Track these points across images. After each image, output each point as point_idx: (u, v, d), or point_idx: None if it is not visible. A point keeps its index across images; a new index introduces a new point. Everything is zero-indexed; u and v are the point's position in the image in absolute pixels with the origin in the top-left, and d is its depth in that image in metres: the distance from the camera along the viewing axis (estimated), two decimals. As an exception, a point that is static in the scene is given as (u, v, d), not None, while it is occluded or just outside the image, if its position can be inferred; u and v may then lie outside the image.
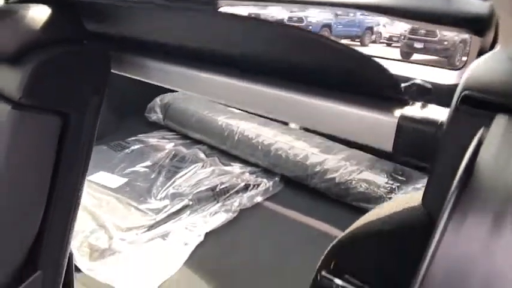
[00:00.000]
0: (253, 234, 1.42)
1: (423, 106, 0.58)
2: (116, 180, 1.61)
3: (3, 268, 0.93)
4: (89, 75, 0.92)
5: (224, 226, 1.45)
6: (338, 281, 0.50)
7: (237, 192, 1.60)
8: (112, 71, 0.99)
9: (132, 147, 1.94)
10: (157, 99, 2.25)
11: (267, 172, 1.78)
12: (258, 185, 1.67)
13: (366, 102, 0.63)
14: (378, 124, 0.62)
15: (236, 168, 1.78)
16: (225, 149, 1.92)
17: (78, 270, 1.15)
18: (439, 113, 0.54)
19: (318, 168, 1.62)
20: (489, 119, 0.40)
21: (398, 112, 0.58)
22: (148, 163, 1.77)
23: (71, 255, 1.03)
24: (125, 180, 1.62)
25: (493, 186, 0.35)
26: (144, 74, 0.97)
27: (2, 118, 0.85)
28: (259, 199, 1.63)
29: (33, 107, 0.86)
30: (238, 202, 1.54)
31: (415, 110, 0.58)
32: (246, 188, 1.63)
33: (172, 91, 2.30)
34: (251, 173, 1.76)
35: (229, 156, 1.90)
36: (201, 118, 2.03)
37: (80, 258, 1.19)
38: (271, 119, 1.98)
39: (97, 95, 0.94)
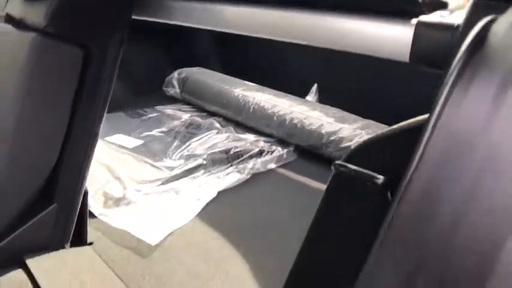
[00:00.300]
0: (265, 196, 1.43)
1: (440, 15, 0.58)
2: (132, 141, 1.63)
3: (21, 199, 0.96)
4: (112, 12, 0.95)
5: (236, 186, 1.46)
6: (353, 167, 0.51)
7: (251, 157, 1.61)
8: (134, 17, 1.01)
9: (149, 115, 1.96)
10: (175, 73, 2.27)
11: (282, 142, 1.79)
12: (272, 152, 1.67)
13: (383, 15, 0.64)
14: (395, 35, 0.62)
15: (251, 136, 1.79)
16: (240, 120, 1.94)
17: (91, 215, 1.17)
18: (455, 18, 0.54)
19: (333, 137, 1.62)
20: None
21: (415, 20, 0.59)
22: (164, 129, 1.80)
23: (85, 192, 1.06)
24: (141, 142, 1.64)
25: (501, 57, 0.35)
26: (166, 15, 0.99)
27: (26, 46, 0.88)
28: (272, 166, 1.64)
29: (58, 36, 0.88)
30: (251, 165, 1.55)
31: (432, 17, 0.58)
32: (260, 153, 1.64)
33: (190, 65, 2.33)
34: (266, 141, 1.77)
35: (244, 128, 1.92)
36: (217, 90, 2.05)
37: (94, 204, 1.21)
38: (287, 92, 1.99)
39: (119, 33, 0.97)
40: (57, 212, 1.00)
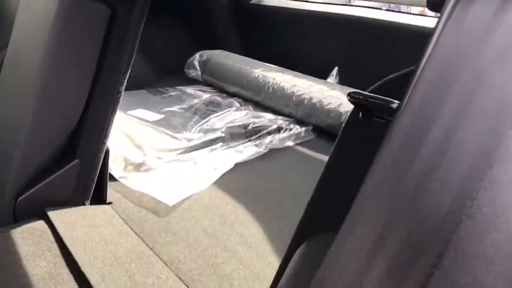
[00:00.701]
0: (281, 169, 1.44)
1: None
2: (153, 115, 1.66)
3: (45, 153, 0.99)
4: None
5: (253, 159, 1.47)
6: (369, 94, 0.52)
7: (269, 133, 1.62)
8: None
9: (170, 94, 1.99)
10: (197, 55, 2.30)
11: (301, 122, 1.79)
12: (291, 129, 1.68)
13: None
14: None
15: (270, 115, 1.80)
16: (259, 100, 1.95)
17: (111, 178, 1.20)
18: None
19: (351, 116, 1.62)
20: None
21: None
22: (184, 106, 1.82)
23: (107, 152, 1.08)
24: (162, 116, 1.67)
25: None
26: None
27: (54, 3, 0.90)
28: (290, 143, 1.64)
29: (85, -6, 0.91)
30: (269, 140, 1.56)
31: None
32: (278, 130, 1.65)
33: (212, 48, 2.36)
34: (284, 120, 1.78)
35: (263, 108, 1.93)
36: (237, 71, 2.07)
37: (115, 168, 1.24)
38: (307, 73, 2.00)
39: (143, -2, 0.99)
40: (79, 168, 1.03)
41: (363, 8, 2.04)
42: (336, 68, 2.09)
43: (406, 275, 0.29)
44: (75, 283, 0.80)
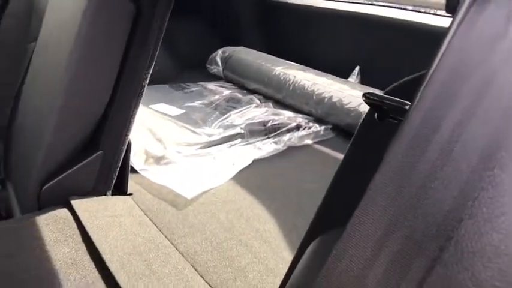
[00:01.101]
0: (299, 166, 1.45)
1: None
2: (174, 110, 1.69)
3: (70, 143, 1.03)
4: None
5: (271, 156, 1.49)
6: (384, 95, 0.53)
7: (288, 130, 1.63)
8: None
9: (192, 89, 2.02)
10: (219, 51, 2.32)
11: (320, 121, 1.80)
12: (310, 128, 1.69)
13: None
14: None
15: (289, 113, 1.81)
16: (280, 98, 1.96)
17: (132, 171, 1.23)
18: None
19: (371, 116, 1.61)
20: None
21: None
22: (205, 101, 1.85)
23: (129, 144, 1.12)
24: (183, 111, 1.70)
25: None
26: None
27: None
28: (309, 141, 1.65)
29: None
30: (287, 138, 1.58)
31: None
32: (297, 128, 1.66)
33: (234, 44, 2.38)
34: (304, 118, 1.78)
35: (283, 105, 1.94)
36: (258, 69, 2.09)
37: (136, 160, 1.27)
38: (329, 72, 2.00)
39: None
40: (101, 160, 1.07)
41: (388, 8, 2.03)
42: (358, 68, 2.09)
43: (409, 267, 0.30)
44: (96, 269, 0.83)
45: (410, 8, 2.12)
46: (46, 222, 0.94)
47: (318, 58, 2.24)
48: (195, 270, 0.89)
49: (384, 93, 0.58)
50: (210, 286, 0.85)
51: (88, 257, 0.86)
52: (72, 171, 1.03)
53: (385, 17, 1.98)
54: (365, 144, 0.62)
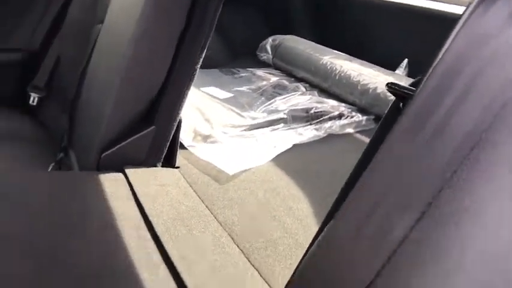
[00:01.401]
0: (338, 153, 1.50)
1: None
2: (223, 93, 1.79)
3: (128, 117, 1.14)
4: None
5: (312, 142, 1.55)
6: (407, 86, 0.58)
7: (330, 118, 1.68)
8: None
9: (241, 74, 2.11)
10: (270, 39, 2.39)
11: (363, 111, 1.83)
12: (352, 117, 1.73)
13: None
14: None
15: (333, 101, 1.86)
16: (325, 87, 2.01)
17: (181, 146, 1.33)
18: None
19: (414, 109, 1.63)
20: None
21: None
22: (252, 86, 1.93)
23: (180, 121, 1.22)
24: (231, 95, 1.79)
25: None
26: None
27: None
28: (350, 130, 1.70)
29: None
30: (329, 125, 1.63)
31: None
32: (339, 116, 1.71)
33: (285, 32, 2.43)
34: (347, 107, 1.82)
35: (328, 94, 1.99)
36: (306, 57, 2.14)
37: (185, 137, 1.38)
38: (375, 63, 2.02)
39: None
40: (154, 134, 1.18)
41: (439, 3, 2.00)
42: (406, 60, 2.09)
43: (394, 226, 0.36)
44: (145, 228, 0.93)
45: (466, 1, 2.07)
46: (104, 180, 1.06)
47: (366, 49, 2.25)
48: (231, 238, 0.97)
49: (410, 85, 0.63)
50: (243, 253, 0.93)
51: (139, 215, 0.97)
52: (128, 142, 1.14)
53: (436, 11, 1.96)
54: (389, 130, 0.67)
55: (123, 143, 1.14)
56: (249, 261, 0.91)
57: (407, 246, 0.35)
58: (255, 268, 0.89)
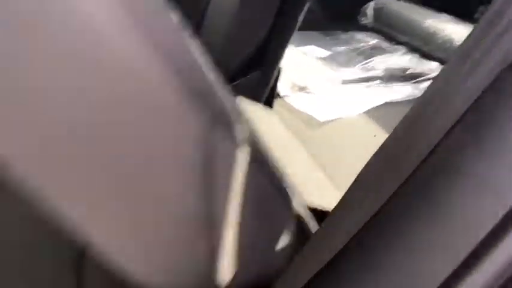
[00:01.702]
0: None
1: None
2: (320, 52, 1.86)
3: (239, 58, 1.27)
4: None
5: (405, 102, 1.57)
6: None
7: (428, 79, 1.68)
8: None
9: (341, 36, 2.16)
10: (372, 3, 2.38)
11: (464, 75, 1.78)
12: (450, 79, 1.70)
13: None
14: None
15: (433, 64, 1.83)
16: (426, 50, 1.97)
17: (277, 95, 1.45)
18: None
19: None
20: None
21: None
22: (351, 47, 1.97)
23: (279, 71, 1.33)
24: (329, 53, 1.85)
25: None
26: None
27: None
28: (448, 92, 1.68)
29: None
30: (426, 85, 1.63)
31: None
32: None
33: (389, -3, 2.40)
34: (447, 71, 1.79)
35: (429, 58, 1.95)
36: (409, 21, 2.10)
37: (282, 86, 1.49)
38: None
39: None
40: (259, 77, 1.30)
41: None
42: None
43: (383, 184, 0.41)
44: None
45: None
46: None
47: (472, 12, 2.15)
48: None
49: None
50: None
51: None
52: (239, 82, 1.28)
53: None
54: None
55: (234, 83, 1.28)
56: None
57: None
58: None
